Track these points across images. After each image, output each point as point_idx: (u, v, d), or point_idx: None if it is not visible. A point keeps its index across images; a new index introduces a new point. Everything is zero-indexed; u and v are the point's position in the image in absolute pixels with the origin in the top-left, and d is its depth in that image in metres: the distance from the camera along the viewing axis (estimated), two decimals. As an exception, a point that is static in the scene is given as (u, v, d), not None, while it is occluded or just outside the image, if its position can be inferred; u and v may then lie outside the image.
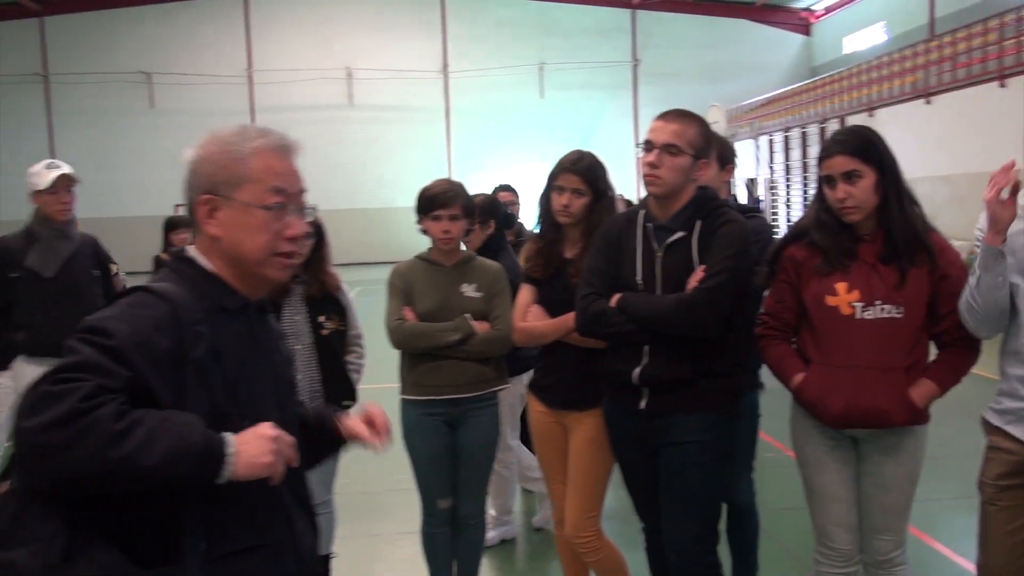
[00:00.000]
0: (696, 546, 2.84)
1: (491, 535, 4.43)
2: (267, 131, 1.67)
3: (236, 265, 1.65)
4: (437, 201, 3.33)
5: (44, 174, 4.21)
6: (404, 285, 3.40)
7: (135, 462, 1.35)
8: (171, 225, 6.82)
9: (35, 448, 1.33)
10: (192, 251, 1.67)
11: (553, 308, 3.16)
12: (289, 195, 1.65)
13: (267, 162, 1.63)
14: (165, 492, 1.45)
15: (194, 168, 1.64)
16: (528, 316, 3.22)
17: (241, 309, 1.66)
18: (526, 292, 3.26)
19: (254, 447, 1.47)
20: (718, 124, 19.89)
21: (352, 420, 1.92)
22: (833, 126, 18.01)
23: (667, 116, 2.82)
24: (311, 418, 1.91)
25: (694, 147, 2.75)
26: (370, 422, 1.90)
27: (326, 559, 3.84)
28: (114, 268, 4.73)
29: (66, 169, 4.27)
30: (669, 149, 2.74)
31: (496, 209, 4.47)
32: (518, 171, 25.19)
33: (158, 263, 6.65)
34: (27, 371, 4.21)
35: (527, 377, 4.05)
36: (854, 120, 17.72)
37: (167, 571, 1.46)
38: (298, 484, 1.75)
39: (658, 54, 26.59)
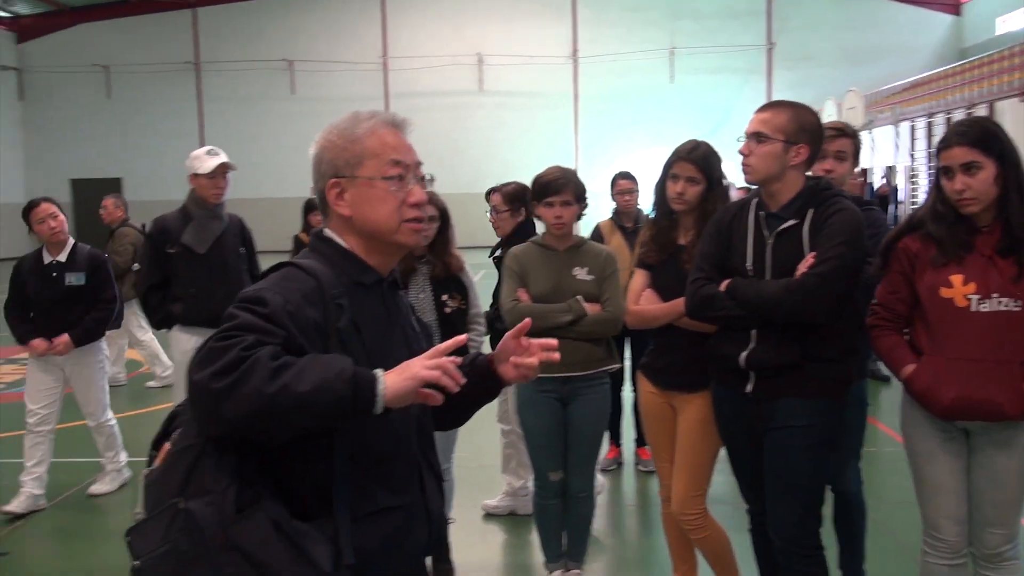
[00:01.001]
0: (799, 529, 2.89)
1: (501, 504, 4.76)
2: (376, 112, 1.80)
3: (370, 239, 1.77)
4: (549, 188, 3.48)
5: (205, 160, 4.58)
6: (519, 268, 3.57)
7: (290, 390, 1.45)
8: (310, 206, 7.23)
9: (205, 395, 1.46)
10: (328, 231, 1.80)
11: (665, 293, 3.27)
12: (406, 166, 1.78)
13: (381, 138, 1.77)
14: (320, 448, 1.58)
15: (318, 158, 1.78)
16: (641, 300, 3.33)
17: (375, 284, 1.79)
18: (640, 277, 3.37)
19: (405, 371, 1.54)
20: (855, 110, 19.20)
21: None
22: (981, 111, 17.09)
23: (762, 107, 2.91)
24: (464, 365, 1.84)
25: (784, 133, 2.79)
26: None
27: (445, 523, 4.08)
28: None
29: (225, 157, 4.64)
30: (756, 137, 2.82)
31: (527, 197, 4.49)
32: (645, 157, 25.09)
33: (298, 242, 7.09)
34: (182, 339, 4.61)
35: None
36: (1005, 105, 16.77)
37: (322, 523, 1.59)
38: (428, 448, 1.87)
39: (794, 37, 25.77)
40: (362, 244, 1.78)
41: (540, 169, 3.64)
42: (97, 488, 5.15)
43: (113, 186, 27.59)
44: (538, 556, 3.86)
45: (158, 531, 1.52)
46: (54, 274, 4.87)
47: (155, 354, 8.16)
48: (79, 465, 5.74)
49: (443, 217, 3.74)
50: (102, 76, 27.27)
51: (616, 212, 5.56)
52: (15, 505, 4.80)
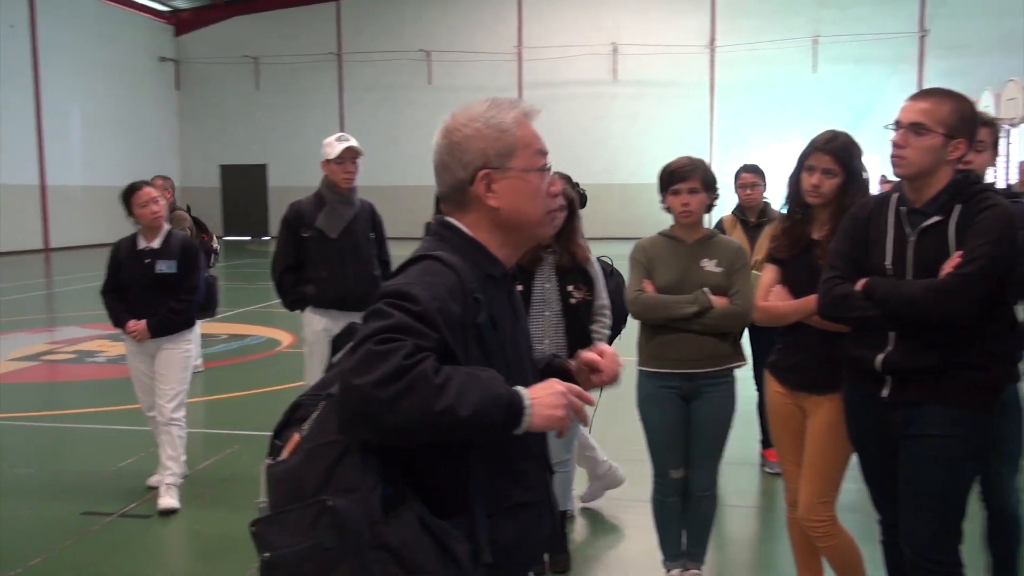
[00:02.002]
0: (933, 544, 2.73)
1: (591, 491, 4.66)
2: (515, 100, 1.77)
3: (511, 231, 1.75)
4: (675, 175, 3.39)
5: (334, 145, 4.73)
6: (645, 259, 3.50)
7: (454, 413, 1.46)
8: (442, 198, 7.36)
9: (367, 403, 1.45)
10: (453, 220, 1.76)
11: (797, 289, 3.14)
12: (546, 155, 1.78)
13: (527, 128, 1.75)
14: (456, 448, 1.59)
15: (460, 147, 1.71)
16: (770, 296, 3.21)
17: (502, 278, 1.78)
18: (769, 272, 3.26)
19: (548, 400, 1.57)
20: (1015, 101, 17.98)
21: (585, 354, 1.94)
22: None
23: (919, 95, 2.69)
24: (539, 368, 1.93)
25: (945, 126, 2.60)
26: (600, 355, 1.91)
27: (563, 515, 4.07)
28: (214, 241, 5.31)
29: (353, 142, 4.76)
30: (915, 128, 2.62)
31: (565, 191, 4.44)
32: (783, 149, 24.28)
33: (429, 230, 7.23)
34: (313, 320, 4.77)
35: None
36: None
37: (459, 521, 1.59)
38: (542, 441, 1.86)
39: (949, 24, 24.31)
40: (497, 236, 1.75)
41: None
42: (167, 502, 4.68)
43: (259, 172, 29.03)
44: (657, 553, 3.81)
45: (299, 526, 1.51)
46: (146, 260, 4.78)
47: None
48: (220, 437, 6.05)
49: (570, 207, 3.72)
50: (251, 67, 28.59)
51: (739, 206, 5.39)
52: (155, 479, 4.94)
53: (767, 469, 5.25)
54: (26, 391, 7.64)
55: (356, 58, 27.92)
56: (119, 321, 4.78)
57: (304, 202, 4.86)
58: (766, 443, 5.26)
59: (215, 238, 7.72)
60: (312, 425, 1.59)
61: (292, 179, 26.25)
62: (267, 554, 1.55)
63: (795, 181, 3.18)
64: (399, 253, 4.79)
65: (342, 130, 25.78)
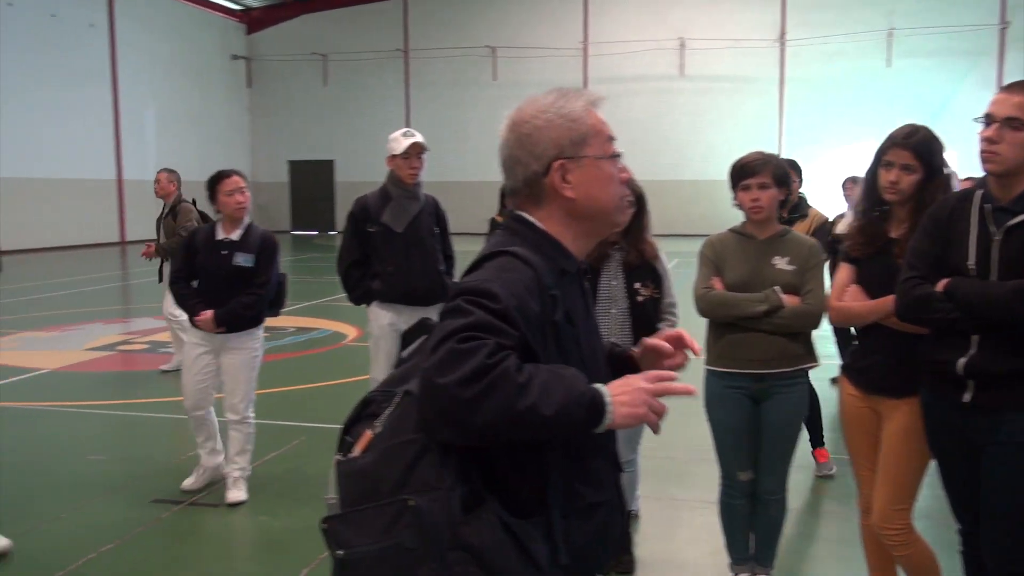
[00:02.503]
0: (1017, 556, 2.61)
1: None
2: (580, 90, 1.74)
3: (587, 221, 1.72)
4: (746, 170, 3.31)
5: (400, 141, 4.75)
6: (714, 256, 3.43)
7: (537, 411, 1.43)
8: (513, 193, 7.35)
9: (451, 402, 1.42)
10: (525, 214, 1.73)
11: (872, 289, 3.03)
12: (615, 141, 1.75)
13: (596, 116, 1.72)
14: (532, 447, 1.56)
15: (531, 139, 1.68)
16: (845, 296, 3.11)
17: (575, 273, 1.75)
18: (845, 271, 3.15)
19: (628, 398, 1.52)
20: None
21: (649, 340, 1.91)
22: None
23: (1013, 87, 2.56)
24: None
25: None
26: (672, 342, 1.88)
27: (628, 514, 4.02)
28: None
29: (418, 138, 4.77)
30: (1011, 123, 2.50)
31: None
32: (856, 147, 23.70)
33: (494, 224, 7.22)
34: (380, 315, 4.80)
35: None
36: None
37: (536, 522, 1.57)
38: (613, 440, 1.83)
39: (1033, 15, 23.49)
40: (572, 228, 1.72)
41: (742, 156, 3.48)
42: (237, 495, 4.74)
43: (326, 168, 29.46)
44: (723, 556, 3.73)
45: (377, 525, 1.49)
46: (223, 252, 4.71)
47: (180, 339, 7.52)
48: (287, 429, 6.14)
49: (639, 202, 3.66)
50: (320, 64, 29.02)
51: None
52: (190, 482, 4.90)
53: (816, 472, 5.13)
54: (101, 380, 7.86)
55: (422, 54, 28.12)
56: (191, 310, 4.72)
57: (370, 197, 4.89)
58: (816, 442, 5.12)
59: None
60: (387, 422, 1.56)
61: (358, 174, 26.62)
62: (340, 552, 1.52)
63: (872, 177, 3.06)
64: (463, 249, 4.82)
65: (407, 126, 26.06)
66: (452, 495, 1.48)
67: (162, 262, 7.42)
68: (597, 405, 1.50)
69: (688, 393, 1.59)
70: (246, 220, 4.81)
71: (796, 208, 5.18)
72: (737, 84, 25.77)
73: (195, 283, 4.84)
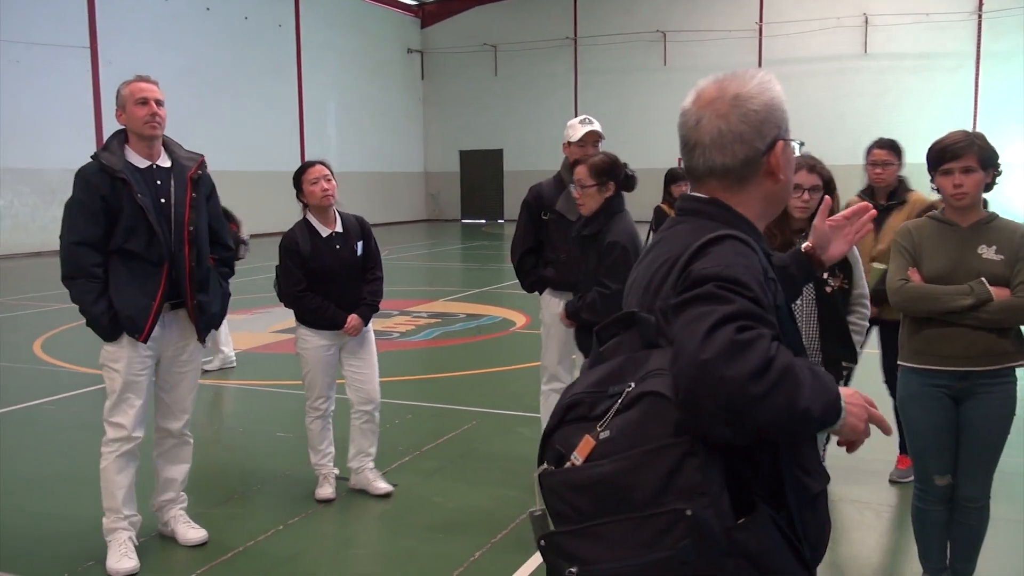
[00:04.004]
0: None
1: None
2: (758, 70, 1.67)
3: (775, 205, 1.69)
4: (947, 153, 3.05)
5: (577, 128, 4.72)
6: (911, 245, 3.20)
7: (810, 412, 1.37)
8: (672, 177, 7.20)
9: (740, 397, 1.32)
10: (721, 198, 1.64)
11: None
12: None
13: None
14: (769, 443, 1.47)
15: (759, 115, 1.60)
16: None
17: (767, 255, 1.65)
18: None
19: (857, 410, 1.48)
20: None
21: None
22: None
23: None
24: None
25: None
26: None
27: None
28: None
29: (596, 126, 4.73)
30: None
31: (616, 171, 4.09)
32: (1063, 124, 21.72)
33: (659, 213, 7.08)
34: (552, 303, 4.79)
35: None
36: None
37: (782, 516, 1.49)
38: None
39: None
40: (761, 213, 1.67)
41: (928, 140, 3.22)
42: (385, 486, 4.69)
43: (495, 157, 29.97)
44: (914, 563, 3.50)
45: (638, 538, 1.39)
46: (337, 246, 4.54)
47: (218, 340, 7.67)
48: (459, 412, 6.27)
49: (828, 187, 3.46)
50: (490, 55, 29.49)
51: (868, 187, 4.79)
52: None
53: (893, 477, 4.76)
54: (283, 361, 8.29)
55: (591, 42, 28.02)
56: (334, 319, 4.49)
57: (544, 185, 4.88)
58: (903, 447, 4.66)
59: (241, 227, 7.49)
60: (622, 426, 1.44)
61: (526, 163, 26.90)
62: (574, 569, 1.43)
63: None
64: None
65: (576, 114, 26.05)
66: (720, 500, 1.39)
67: None
68: (838, 410, 1.44)
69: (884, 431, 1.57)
70: (335, 209, 4.63)
71: (894, 194, 4.73)
72: (925, 61, 24.14)
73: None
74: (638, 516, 1.39)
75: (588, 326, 4.06)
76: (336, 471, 4.72)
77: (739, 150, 1.60)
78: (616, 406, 1.46)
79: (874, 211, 1.95)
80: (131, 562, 3.82)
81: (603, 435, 1.44)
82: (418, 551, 4.04)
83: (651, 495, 1.38)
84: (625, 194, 4.26)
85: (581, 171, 4.15)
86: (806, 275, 2.10)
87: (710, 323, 1.35)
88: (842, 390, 1.46)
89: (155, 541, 4.10)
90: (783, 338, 1.49)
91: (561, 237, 4.73)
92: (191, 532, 4.10)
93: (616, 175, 4.16)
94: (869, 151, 4.82)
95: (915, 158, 7.02)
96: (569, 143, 4.73)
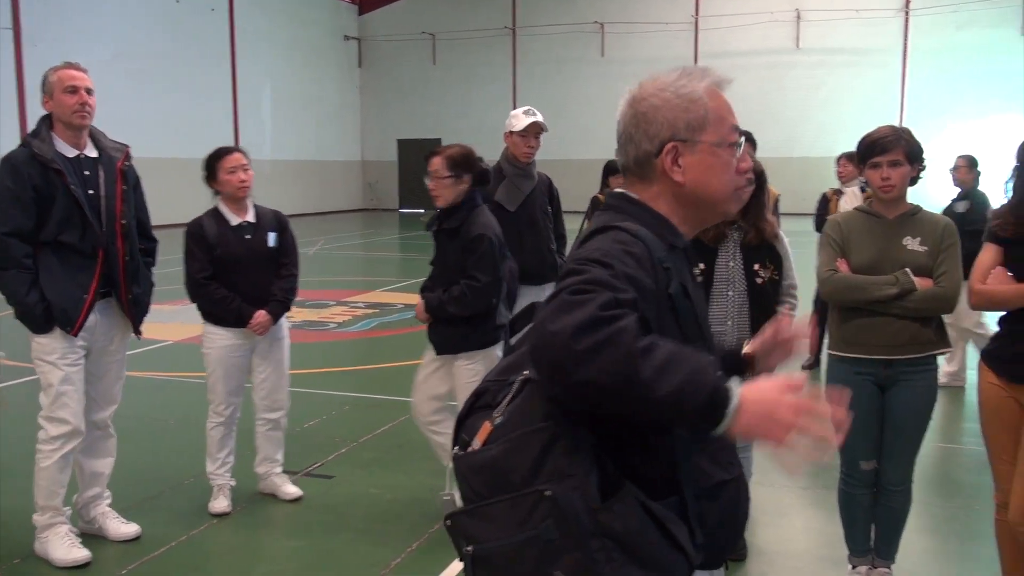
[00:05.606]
0: None
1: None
2: (706, 69, 1.66)
3: (695, 207, 1.65)
4: (876, 147, 3.14)
5: (521, 118, 4.75)
6: (840, 236, 3.28)
7: (647, 387, 1.31)
8: (611, 170, 7.27)
9: (563, 350, 1.33)
10: (633, 194, 1.67)
11: (1021, 272, 2.85)
12: (739, 131, 1.66)
13: (720, 100, 1.63)
14: (663, 429, 1.48)
15: (647, 117, 1.61)
16: (989, 279, 2.93)
17: (683, 249, 1.68)
18: (989, 252, 2.97)
19: (761, 415, 1.35)
20: None
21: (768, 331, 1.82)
22: None
23: None
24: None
25: None
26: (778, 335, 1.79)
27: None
28: None
29: (539, 118, 4.76)
30: None
31: (471, 164, 4.04)
32: (986, 122, 22.45)
33: (594, 203, 7.14)
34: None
35: (498, 349, 3.94)
36: None
37: (670, 503, 1.51)
38: None
39: None
40: (679, 212, 1.65)
41: (858, 133, 3.31)
42: (295, 490, 4.53)
43: (433, 146, 29.68)
44: (840, 546, 3.60)
45: (512, 518, 1.44)
46: (247, 236, 4.28)
47: None
48: (396, 403, 6.24)
49: (759, 180, 3.52)
50: (429, 43, 29.28)
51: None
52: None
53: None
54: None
55: (530, 32, 28.02)
56: (240, 313, 4.21)
57: (483, 175, 4.88)
58: None
59: None
60: (511, 411, 1.50)
61: (465, 153, 26.75)
62: (470, 548, 1.48)
63: None
64: (570, 227, 4.76)
65: (514, 104, 26.07)
66: (588, 482, 1.42)
67: None
68: (717, 404, 1.34)
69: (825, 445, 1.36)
70: (250, 200, 4.38)
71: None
72: (856, 57, 24.69)
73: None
74: (510, 497, 1.44)
75: (447, 321, 4.04)
76: (233, 482, 4.45)
77: (631, 150, 1.65)
78: (511, 393, 1.53)
79: (808, 331, 1.83)
80: (82, 551, 3.75)
81: (498, 421, 1.51)
82: (355, 542, 4.02)
83: (526, 476, 1.44)
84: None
85: (437, 162, 4.04)
86: (733, 372, 1.79)
87: (554, 293, 1.41)
88: (750, 389, 1.37)
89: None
90: (671, 324, 1.52)
91: (502, 228, 4.73)
92: (123, 527, 4.02)
93: (472, 168, 4.06)
94: (839, 161, 4.92)
95: (846, 150, 7.19)
96: (511, 133, 4.74)
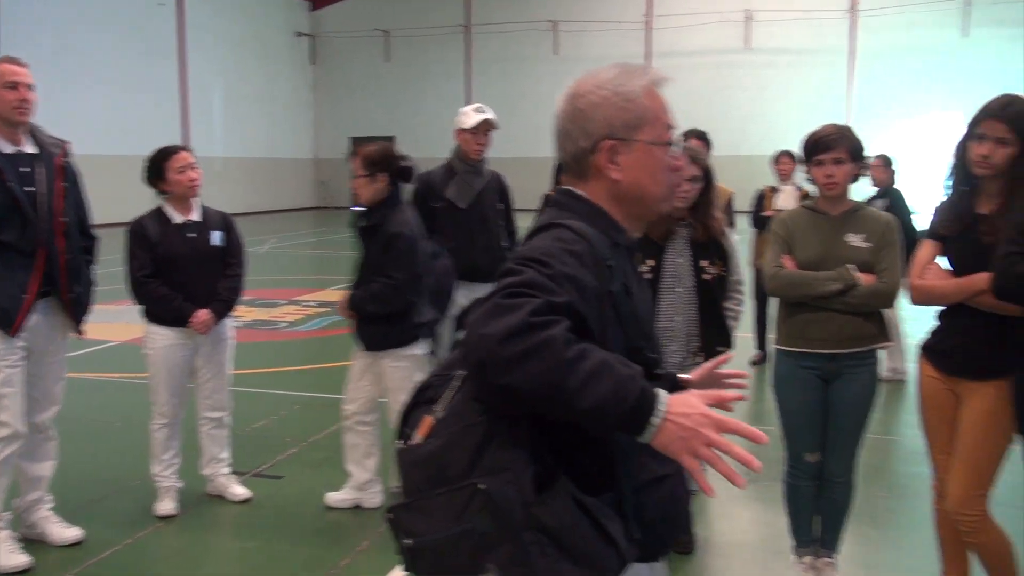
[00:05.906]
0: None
1: (346, 497, 4.39)
2: (644, 67, 1.67)
3: (632, 205, 1.67)
4: (820, 145, 3.20)
5: (471, 115, 4.74)
6: (785, 233, 3.33)
7: (572, 397, 1.33)
8: (563, 168, 7.29)
9: (490, 354, 1.34)
10: (579, 191, 1.69)
11: (958, 267, 2.92)
12: (673, 129, 1.68)
13: (656, 99, 1.64)
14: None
15: (584, 115, 1.63)
16: (927, 274, 3.00)
17: (627, 247, 1.70)
18: (928, 248, 3.04)
19: (687, 427, 1.36)
20: None
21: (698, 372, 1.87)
22: None
23: None
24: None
25: None
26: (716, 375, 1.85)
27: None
28: None
29: (490, 115, 4.76)
30: None
31: (388, 162, 4.06)
32: (929, 120, 22.97)
33: (546, 200, 7.17)
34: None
35: (420, 347, 4.08)
36: None
37: (607, 498, 1.52)
38: None
39: (1123, -18, 22.35)
40: (616, 209, 1.67)
41: (805, 131, 3.37)
42: (239, 491, 4.47)
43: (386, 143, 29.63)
44: (786, 538, 3.66)
45: (448, 512, 1.45)
46: (190, 235, 4.21)
47: None
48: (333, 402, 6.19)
49: (706, 177, 3.56)
50: (382, 40, 29.11)
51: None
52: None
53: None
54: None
55: (483, 30, 28.00)
56: (180, 311, 4.14)
57: (434, 173, 4.87)
58: None
59: None
60: (450, 407, 1.52)
61: (419, 150, 26.37)
62: (409, 541, 1.49)
63: (962, 150, 2.93)
64: (522, 224, 4.76)
65: (468, 102, 26.01)
66: (523, 476, 1.43)
67: None
68: (640, 415, 1.36)
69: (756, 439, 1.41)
70: (198, 200, 4.32)
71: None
72: (804, 56, 25.10)
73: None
74: (447, 490, 1.46)
75: (369, 318, 4.09)
76: (180, 484, 4.38)
77: (568, 146, 1.67)
78: (453, 389, 1.54)
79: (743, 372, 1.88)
80: (23, 557, 3.67)
81: (439, 415, 1.52)
82: (304, 543, 3.99)
83: (463, 471, 1.45)
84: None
85: (355, 161, 4.05)
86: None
87: (491, 293, 1.42)
88: (677, 400, 1.38)
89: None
90: (613, 322, 1.53)
91: (451, 225, 4.74)
92: (65, 531, 3.94)
93: (389, 166, 4.04)
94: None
95: (793, 148, 7.33)
96: (462, 130, 4.74)
